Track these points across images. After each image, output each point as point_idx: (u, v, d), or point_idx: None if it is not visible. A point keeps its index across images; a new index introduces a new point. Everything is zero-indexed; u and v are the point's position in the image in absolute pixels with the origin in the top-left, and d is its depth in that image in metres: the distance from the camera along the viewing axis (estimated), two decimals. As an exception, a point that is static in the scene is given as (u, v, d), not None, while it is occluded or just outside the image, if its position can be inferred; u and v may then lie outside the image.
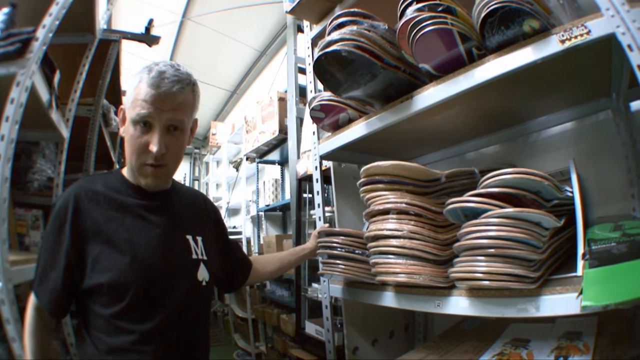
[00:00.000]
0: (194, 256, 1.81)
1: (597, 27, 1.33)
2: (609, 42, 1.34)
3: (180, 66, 1.71)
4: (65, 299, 1.64)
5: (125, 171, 1.82)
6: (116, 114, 4.31)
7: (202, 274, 1.80)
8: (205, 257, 1.85)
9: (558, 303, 1.30)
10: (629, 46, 1.26)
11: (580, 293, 1.14)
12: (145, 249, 1.65)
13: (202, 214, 2.06)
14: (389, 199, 1.73)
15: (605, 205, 2.01)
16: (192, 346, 1.73)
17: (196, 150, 14.03)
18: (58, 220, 1.62)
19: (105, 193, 1.71)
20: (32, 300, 1.68)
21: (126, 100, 1.72)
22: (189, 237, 1.83)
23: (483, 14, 1.50)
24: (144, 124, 1.62)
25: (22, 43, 2.27)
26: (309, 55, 2.84)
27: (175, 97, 1.64)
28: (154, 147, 1.61)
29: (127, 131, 1.68)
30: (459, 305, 1.59)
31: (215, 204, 7.93)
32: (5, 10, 2.36)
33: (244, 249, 7.07)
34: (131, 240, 1.64)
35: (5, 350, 2.02)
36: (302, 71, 5.11)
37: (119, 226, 1.66)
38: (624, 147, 1.94)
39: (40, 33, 2.40)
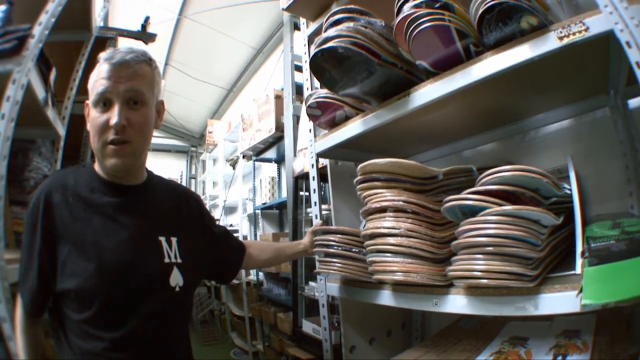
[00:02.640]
0: (167, 260, 1.73)
1: (596, 24, 1.32)
2: (607, 39, 1.34)
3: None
4: (43, 300, 1.63)
5: (96, 165, 1.77)
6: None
7: (176, 278, 1.73)
8: (179, 260, 1.77)
9: (557, 301, 1.30)
10: (628, 43, 1.25)
11: (580, 291, 1.13)
12: (112, 253, 1.60)
13: (181, 209, 1.97)
14: (385, 196, 1.72)
15: (603, 203, 2.01)
16: (168, 354, 1.71)
17: (193, 149, 14.06)
18: (31, 219, 1.60)
19: (74, 190, 1.67)
20: (19, 299, 1.67)
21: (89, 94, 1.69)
22: (162, 239, 1.76)
23: (481, 11, 1.49)
24: (104, 103, 1.61)
25: (19, 40, 2.26)
26: (305, 53, 2.84)
27: (129, 65, 1.63)
28: (113, 120, 1.58)
29: (89, 118, 1.66)
30: (456, 303, 1.59)
31: (212, 202, 7.90)
32: (2, 8, 2.35)
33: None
34: (98, 244, 1.59)
35: (2, 349, 2.01)
36: (299, 69, 5.14)
37: (86, 227, 1.61)
38: (622, 144, 1.94)
39: (37, 30, 2.39)
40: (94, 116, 1.62)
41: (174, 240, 1.79)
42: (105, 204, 1.68)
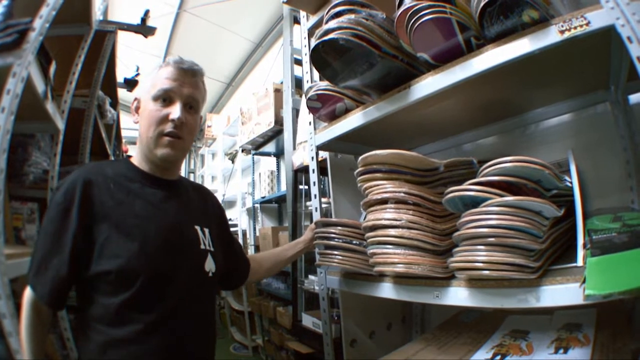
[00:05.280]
0: (202, 246, 1.83)
1: (597, 19, 1.32)
2: (608, 34, 1.34)
3: None
4: (66, 289, 1.61)
5: (134, 160, 1.87)
6: (112, 105, 4.34)
7: (209, 264, 1.83)
8: (212, 249, 1.88)
9: (559, 293, 1.30)
10: (629, 38, 1.26)
11: (583, 282, 1.13)
12: (155, 236, 1.66)
13: (208, 207, 2.09)
14: (386, 188, 1.72)
15: (603, 197, 2.02)
16: (197, 337, 1.73)
17: (192, 143, 14.01)
18: (63, 204, 1.60)
19: (115, 178, 1.73)
20: (28, 295, 1.63)
21: (143, 90, 1.85)
22: (197, 228, 1.86)
23: (482, 3, 1.49)
24: (164, 99, 1.76)
25: (19, 34, 2.25)
26: (305, 46, 2.84)
27: (195, 74, 1.85)
28: (175, 115, 1.72)
29: (145, 109, 1.79)
30: (458, 296, 1.59)
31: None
32: (4, 2, 2.34)
33: (240, 241, 7.09)
34: (141, 227, 1.65)
35: (2, 345, 2.00)
36: (298, 62, 5.12)
37: (128, 211, 1.67)
38: (622, 139, 1.95)
39: (37, 23, 2.37)
40: (152, 109, 1.75)
41: (206, 230, 1.91)
42: (147, 193, 1.78)
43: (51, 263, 1.57)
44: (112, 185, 1.69)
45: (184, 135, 1.78)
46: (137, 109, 1.86)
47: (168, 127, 1.73)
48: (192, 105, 1.83)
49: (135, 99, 1.87)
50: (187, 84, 1.80)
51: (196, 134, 1.92)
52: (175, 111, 1.73)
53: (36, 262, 1.62)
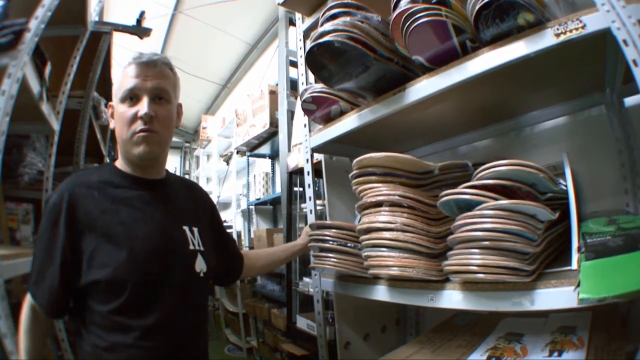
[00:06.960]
0: (191, 247, 1.82)
1: (593, 22, 1.32)
2: (604, 37, 1.34)
3: None
4: (63, 297, 1.63)
5: (118, 163, 1.85)
6: (107, 106, 4.36)
7: (200, 265, 1.81)
8: (202, 248, 1.86)
9: (553, 297, 1.30)
10: (624, 41, 1.25)
11: (578, 286, 1.13)
12: (142, 242, 1.65)
13: (198, 204, 2.07)
14: (381, 191, 1.72)
15: (598, 200, 2.01)
16: (191, 338, 1.73)
17: (186, 144, 14.02)
18: (52, 216, 1.61)
19: (99, 186, 1.72)
20: (27, 300, 1.67)
21: (113, 95, 1.83)
22: (186, 228, 1.84)
23: (478, 6, 1.48)
24: (131, 98, 1.73)
25: (15, 34, 2.26)
26: (300, 48, 2.83)
27: (156, 65, 1.77)
28: (142, 111, 1.69)
29: (116, 113, 1.77)
30: (452, 299, 1.58)
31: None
32: (0, 3, 2.34)
33: (235, 244, 7.09)
34: (127, 233, 1.64)
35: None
36: (294, 64, 5.12)
37: (114, 219, 1.65)
38: (618, 142, 1.94)
39: (33, 24, 2.38)
40: (122, 110, 1.73)
41: (195, 229, 1.89)
42: (131, 196, 1.76)
43: (47, 273, 1.60)
44: (96, 194, 1.69)
45: (156, 128, 1.74)
46: (112, 115, 1.85)
47: (139, 125, 1.71)
48: (161, 96, 1.78)
49: (109, 105, 1.87)
50: (150, 76, 1.76)
51: (174, 124, 1.89)
52: (142, 107, 1.70)
53: (35, 272, 1.64)
